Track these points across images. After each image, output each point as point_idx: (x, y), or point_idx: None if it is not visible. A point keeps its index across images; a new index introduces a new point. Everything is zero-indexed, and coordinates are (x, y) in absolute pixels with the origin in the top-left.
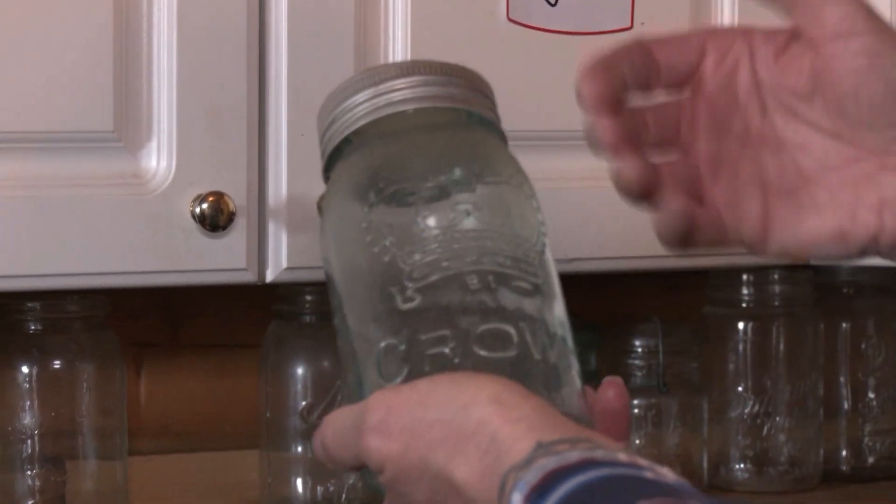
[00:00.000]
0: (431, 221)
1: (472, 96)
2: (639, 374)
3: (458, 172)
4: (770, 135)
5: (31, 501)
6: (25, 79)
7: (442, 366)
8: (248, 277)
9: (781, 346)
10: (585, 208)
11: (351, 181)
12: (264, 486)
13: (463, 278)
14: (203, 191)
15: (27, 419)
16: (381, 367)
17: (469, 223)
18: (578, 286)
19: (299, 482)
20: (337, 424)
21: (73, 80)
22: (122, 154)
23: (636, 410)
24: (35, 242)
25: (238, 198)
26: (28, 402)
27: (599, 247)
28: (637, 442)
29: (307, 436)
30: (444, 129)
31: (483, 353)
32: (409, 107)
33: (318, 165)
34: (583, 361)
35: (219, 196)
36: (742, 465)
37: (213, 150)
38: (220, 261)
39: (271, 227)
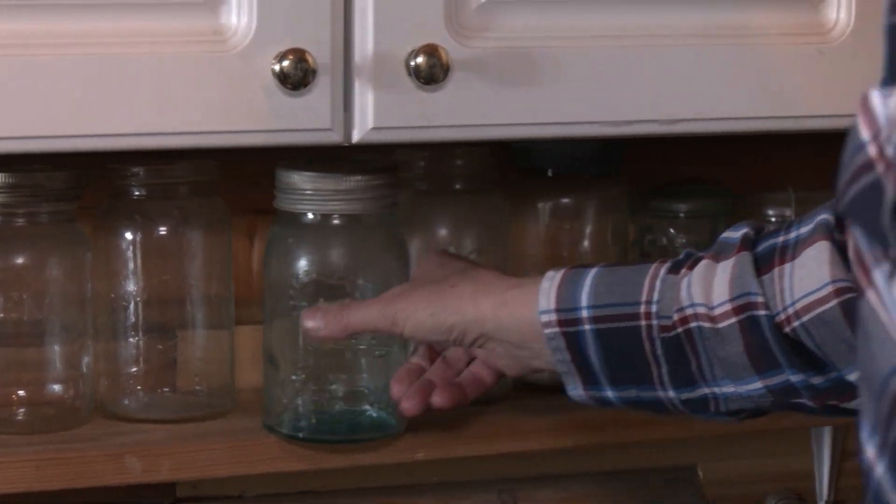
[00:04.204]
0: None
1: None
2: None
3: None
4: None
5: (135, 369)
6: None
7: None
8: (334, 138)
9: None
10: (690, 67)
11: (285, 257)
12: None
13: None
14: (284, 48)
15: (130, 286)
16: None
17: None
18: (711, 151)
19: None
20: None
21: None
22: (202, 11)
23: None
24: (112, 101)
25: (320, 55)
26: (132, 268)
27: (706, 107)
28: None
29: None
30: (347, 231)
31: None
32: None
33: (406, 19)
34: (712, 230)
35: (300, 53)
36: None
37: (296, 6)
38: (304, 120)
39: (357, 85)
